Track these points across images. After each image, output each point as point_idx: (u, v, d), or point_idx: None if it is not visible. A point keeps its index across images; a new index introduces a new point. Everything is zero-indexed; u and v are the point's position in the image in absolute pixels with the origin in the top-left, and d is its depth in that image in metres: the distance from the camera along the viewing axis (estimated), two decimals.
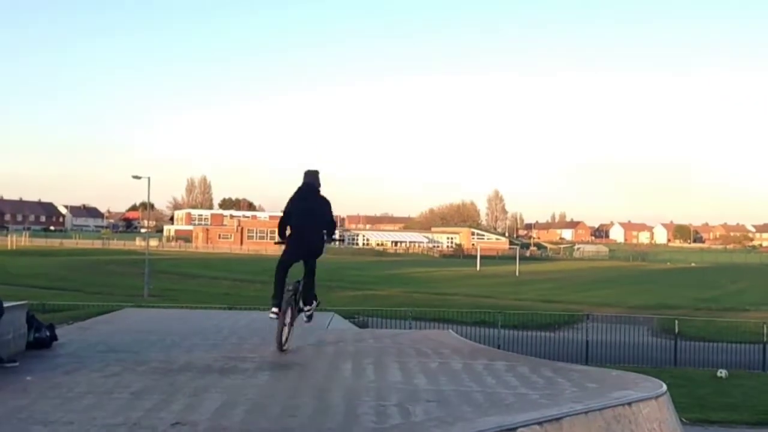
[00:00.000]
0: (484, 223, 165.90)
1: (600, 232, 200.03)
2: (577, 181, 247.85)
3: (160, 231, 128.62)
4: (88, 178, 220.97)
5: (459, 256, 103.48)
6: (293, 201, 8.38)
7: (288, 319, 8.15)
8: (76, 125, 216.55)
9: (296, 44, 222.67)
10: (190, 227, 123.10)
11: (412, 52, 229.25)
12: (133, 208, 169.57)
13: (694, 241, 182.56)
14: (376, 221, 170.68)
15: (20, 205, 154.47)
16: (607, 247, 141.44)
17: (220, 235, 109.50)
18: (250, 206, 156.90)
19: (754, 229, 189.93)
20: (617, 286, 56.58)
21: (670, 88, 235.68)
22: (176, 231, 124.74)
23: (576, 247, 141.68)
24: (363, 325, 21.83)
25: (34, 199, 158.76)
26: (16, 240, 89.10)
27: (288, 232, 8.38)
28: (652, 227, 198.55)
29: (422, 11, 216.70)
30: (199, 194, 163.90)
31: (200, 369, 7.16)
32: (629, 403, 5.84)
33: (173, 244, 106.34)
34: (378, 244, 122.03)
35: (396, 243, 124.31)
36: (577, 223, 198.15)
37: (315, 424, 5.04)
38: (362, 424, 5.06)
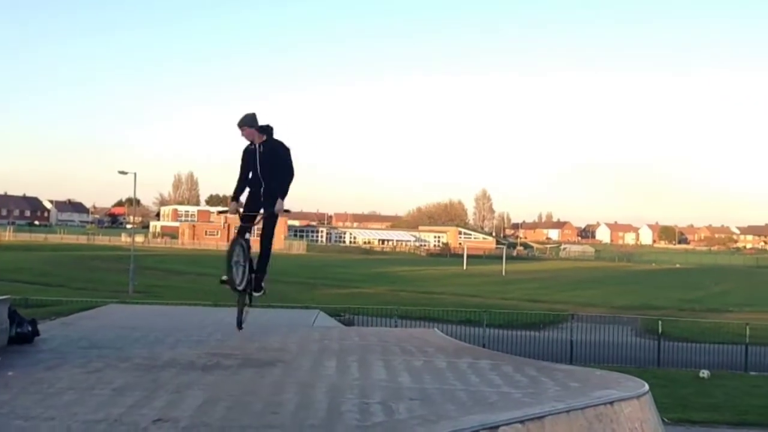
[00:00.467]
0: (471, 222, 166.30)
1: (586, 233, 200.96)
2: (564, 181, 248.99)
3: (146, 227, 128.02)
4: (73, 173, 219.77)
5: (446, 255, 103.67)
6: None
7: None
8: (62, 120, 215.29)
9: (286, 43, 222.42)
10: (177, 223, 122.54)
11: (401, 52, 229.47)
12: (119, 203, 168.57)
13: (679, 242, 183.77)
14: (363, 219, 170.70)
15: (5, 200, 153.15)
16: (593, 248, 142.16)
17: (206, 231, 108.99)
18: None
19: (738, 231, 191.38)
20: (602, 286, 56.88)
21: (657, 90, 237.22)
22: (162, 227, 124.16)
23: (562, 247, 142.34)
24: (348, 323, 21.82)
25: (19, 193, 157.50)
26: (0, 234, 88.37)
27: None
28: (638, 228, 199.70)
29: (414, 11, 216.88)
30: (186, 190, 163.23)
31: (183, 365, 7.12)
32: (611, 403, 5.87)
33: (159, 240, 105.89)
34: (365, 242, 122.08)
35: (383, 241, 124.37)
36: (564, 223, 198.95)
37: (297, 421, 5.03)
38: (345, 422, 5.06)
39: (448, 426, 4.85)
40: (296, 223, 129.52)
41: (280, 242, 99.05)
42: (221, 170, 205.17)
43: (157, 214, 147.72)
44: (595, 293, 49.36)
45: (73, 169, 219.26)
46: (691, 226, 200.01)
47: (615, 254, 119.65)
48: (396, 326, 21.77)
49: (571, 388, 6.49)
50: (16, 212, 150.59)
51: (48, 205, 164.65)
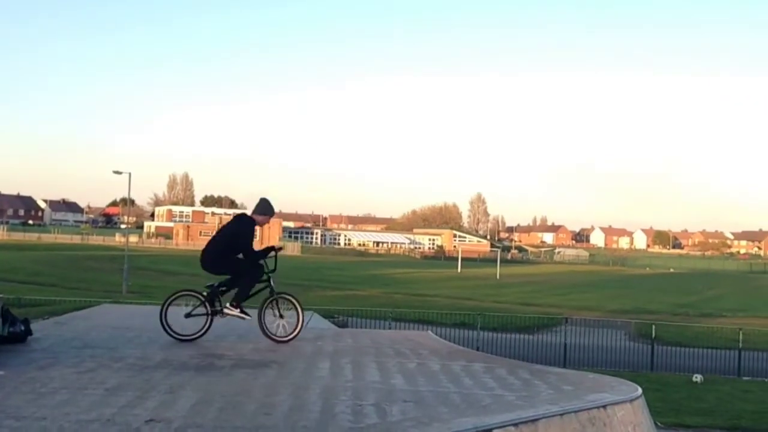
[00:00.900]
0: (466, 225, 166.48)
1: (581, 237, 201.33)
2: (559, 185, 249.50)
3: (141, 227, 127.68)
4: (68, 173, 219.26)
5: (440, 257, 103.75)
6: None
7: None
8: (56, 119, 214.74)
9: (279, 43, 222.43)
10: (171, 224, 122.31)
11: (396, 52, 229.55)
12: (114, 203, 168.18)
13: (673, 247, 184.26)
14: (358, 221, 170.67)
15: None
16: (587, 252, 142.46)
17: (201, 232, 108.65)
18: (232, 204, 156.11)
19: (732, 237, 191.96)
20: (596, 290, 56.97)
21: (653, 95, 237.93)
22: (157, 227, 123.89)
23: (557, 250, 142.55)
24: (342, 325, 21.81)
25: (13, 192, 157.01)
26: None
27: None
28: (632, 233, 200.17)
29: (408, 12, 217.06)
30: (181, 191, 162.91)
31: (176, 366, 7.11)
32: (604, 406, 5.88)
33: (153, 240, 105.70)
34: (360, 245, 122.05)
35: (378, 243, 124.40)
36: (558, 227, 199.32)
37: (290, 423, 5.02)
38: (338, 423, 5.05)
39: (441, 428, 4.86)
40: (291, 224, 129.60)
41: (275, 244, 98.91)
42: (216, 171, 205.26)
43: (152, 215, 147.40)
44: (589, 297, 49.45)
45: (67, 168, 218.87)
46: (685, 231, 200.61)
47: (609, 258, 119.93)
48: (390, 328, 21.75)
49: (565, 392, 6.50)
50: (10, 211, 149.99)
51: (42, 205, 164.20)
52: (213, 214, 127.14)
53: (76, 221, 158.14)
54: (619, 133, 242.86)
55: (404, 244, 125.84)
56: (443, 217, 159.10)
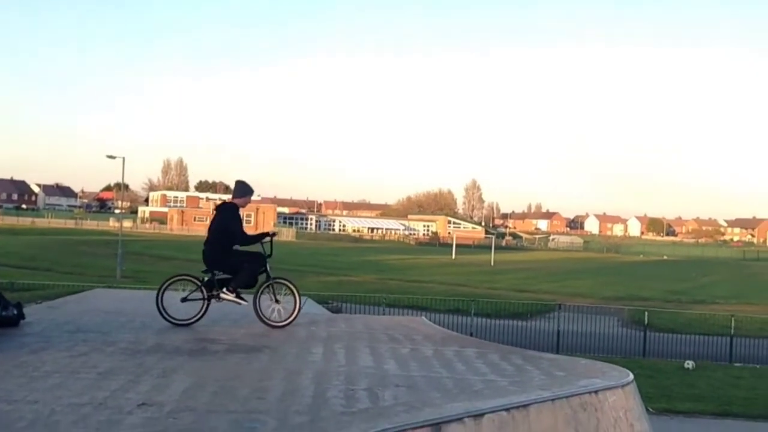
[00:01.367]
0: (460, 211, 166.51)
1: (575, 224, 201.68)
2: (553, 172, 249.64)
3: (135, 212, 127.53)
4: (61, 157, 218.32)
5: (435, 244, 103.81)
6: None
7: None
8: (50, 103, 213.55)
9: (276, 22, 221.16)
10: (165, 209, 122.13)
11: (395, 34, 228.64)
12: (108, 188, 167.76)
13: (667, 234, 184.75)
14: (353, 207, 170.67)
15: None
16: (581, 239, 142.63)
17: (195, 217, 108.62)
18: (227, 189, 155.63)
19: (725, 224, 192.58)
20: (590, 277, 57.13)
21: (648, 82, 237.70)
22: (151, 212, 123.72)
23: (551, 237, 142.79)
24: (336, 311, 21.88)
25: (6, 176, 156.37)
26: None
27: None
28: (627, 220, 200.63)
29: None
30: (175, 176, 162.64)
31: (169, 350, 7.11)
32: (596, 392, 5.90)
33: (148, 225, 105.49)
34: (354, 231, 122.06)
35: (372, 230, 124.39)
36: (553, 214, 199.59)
37: (282, 407, 5.03)
38: (330, 408, 5.06)
39: (433, 413, 4.87)
40: (286, 210, 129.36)
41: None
42: (211, 156, 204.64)
43: (146, 200, 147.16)
44: (582, 284, 49.59)
45: (61, 152, 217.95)
46: (679, 218, 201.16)
47: (603, 245, 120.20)
48: (384, 314, 21.80)
49: (557, 377, 6.52)
50: (3, 196, 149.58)
51: (36, 189, 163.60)
52: (207, 199, 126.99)
53: (69, 206, 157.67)
54: (615, 120, 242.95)
55: (399, 230, 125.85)
56: (438, 204, 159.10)
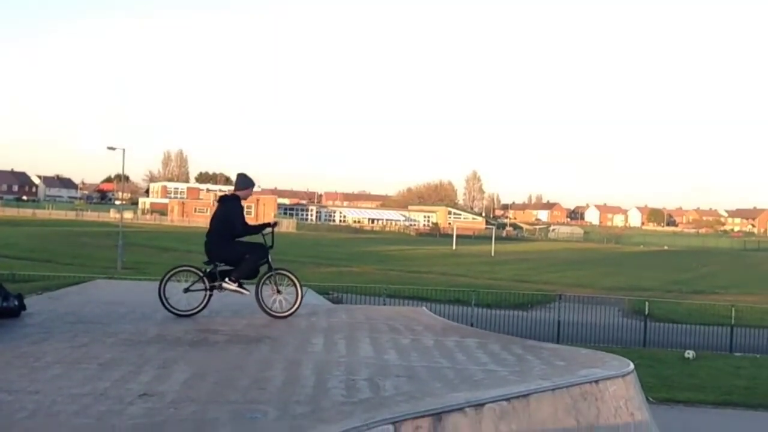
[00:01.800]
0: (461, 202, 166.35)
1: (575, 214, 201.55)
2: (554, 163, 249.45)
3: (135, 203, 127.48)
4: (62, 149, 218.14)
5: (435, 234, 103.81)
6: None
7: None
8: (50, 95, 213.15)
9: (275, 13, 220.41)
10: (166, 200, 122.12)
11: (395, 23, 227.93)
12: (108, 180, 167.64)
13: (668, 224, 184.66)
14: (353, 198, 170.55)
15: None
16: (582, 229, 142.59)
17: (195, 208, 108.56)
18: (227, 180, 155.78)
19: (726, 214, 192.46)
20: (590, 267, 57.16)
21: (647, 71, 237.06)
22: (151, 204, 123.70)
23: (551, 228, 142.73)
24: (337, 301, 21.89)
25: (7, 168, 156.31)
26: None
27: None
28: (627, 210, 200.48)
29: None
30: (175, 167, 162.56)
31: (170, 341, 7.12)
32: (596, 381, 5.91)
33: (148, 217, 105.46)
34: (355, 221, 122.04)
35: (373, 220, 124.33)
36: (553, 204, 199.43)
37: (283, 397, 5.03)
38: (331, 398, 5.07)
39: (434, 403, 4.87)
40: (286, 201, 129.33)
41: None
42: (211, 148, 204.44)
43: (147, 191, 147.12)
44: (583, 274, 49.61)
45: (61, 144, 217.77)
46: (680, 208, 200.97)
47: (603, 236, 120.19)
48: (384, 305, 21.81)
49: (557, 367, 6.52)
50: (4, 187, 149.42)
51: (36, 181, 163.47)
52: (208, 190, 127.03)
53: (70, 197, 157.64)
54: (615, 110, 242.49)
55: (399, 221, 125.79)
56: (438, 194, 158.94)
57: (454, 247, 75.43)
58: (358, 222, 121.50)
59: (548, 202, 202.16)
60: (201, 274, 8.69)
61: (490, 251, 69.49)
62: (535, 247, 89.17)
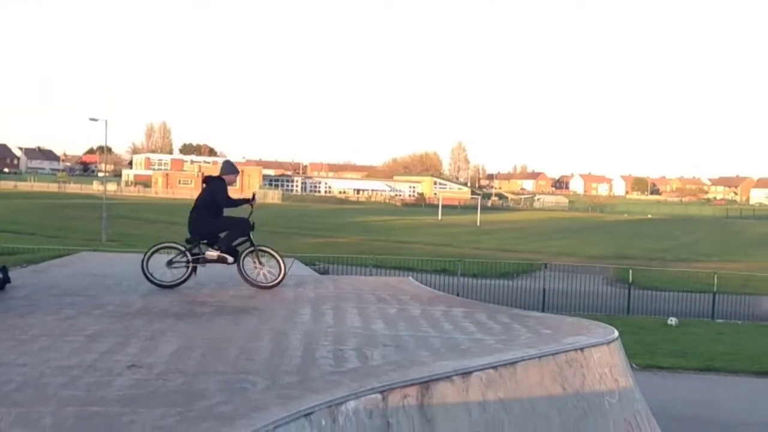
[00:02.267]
0: (446, 172, 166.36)
1: (560, 184, 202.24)
2: (538, 132, 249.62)
3: (119, 175, 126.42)
4: (43, 120, 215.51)
5: (421, 205, 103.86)
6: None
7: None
8: (31, 65, 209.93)
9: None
10: (150, 172, 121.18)
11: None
12: (90, 151, 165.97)
13: (652, 193, 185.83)
14: (338, 169, 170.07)
15: None
16: (566, 198, 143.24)
17: (180, 180, 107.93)
18: (211, 152, 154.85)
19: (709, 183, 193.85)
20: (575, 236, 57.52)
21: (632, 41, 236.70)
22: (135, 176, 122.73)
23: (536, 197, 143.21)
24: (324, 272, 21.90)
25: None
26: None
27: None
28: (611, 179, 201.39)
29: None
30: (159, 139, 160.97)
31: (156, 313, 7.11)
32: (581, 349, 5.98)
33: (132, 188, 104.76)
34: (340, 192, 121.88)
35: (358, 191, 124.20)
36: (538, 174, 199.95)
37: (272, 367, 5.06)
38: (320, 368, 5.10)
39: (422, 371, 4.91)
40: (271, 172, 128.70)
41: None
42: (194, 119, 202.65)
43: (130, 163, 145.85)
44: (568, 243, 49.92)
45: (42, 115, 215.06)
46: (663, 177, 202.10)
47: (588, 205, 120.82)
48: (371, 275, 21.88)
49: (543, 335, 6.59)
50: None
51: (17, 153, 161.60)
52: (192, 162, 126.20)
53: (52, 169, 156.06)
54: (599, 79, 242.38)
55: (384, 191, 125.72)
56: (424, 165, 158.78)
57: (439, 217, 75.60)
58: (344, 193, 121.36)
59: (533, 171, 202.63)
60: (183, 249, 8.77)
61: (476, 221, 69.73)
62: (521, 216, 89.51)
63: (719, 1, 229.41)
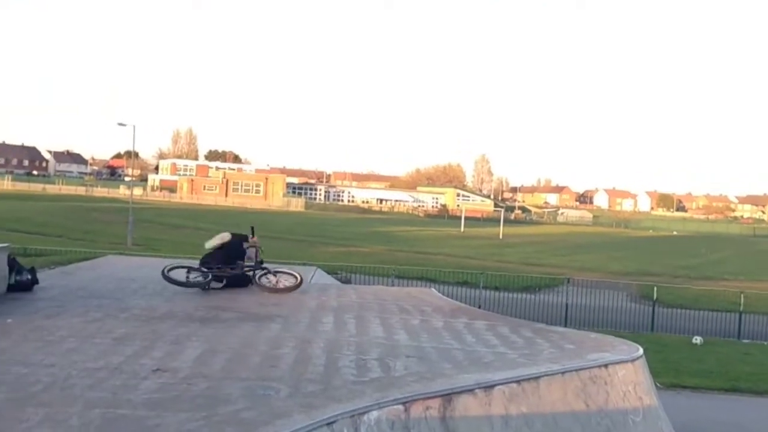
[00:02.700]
0: (469, 184, 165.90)
1: (584, 198, 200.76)
2: (563, 146, 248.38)
3: (145, 180, 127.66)
4: (72, 124, 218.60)
5: (444, 216, 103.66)
6: None
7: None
8: (61, 70, 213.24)
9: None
10: (175, 177, 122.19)
11: (408, 6, 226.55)
12: (118, 156, 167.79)
13: (677, 210, 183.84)
14: (362, 178, 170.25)
15: (3, 149, 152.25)
16: (590, 213, 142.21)
17: (205, 186, 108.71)
18: (236, 158, 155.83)
19: (736, 201, 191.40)
20: (599, 251, 57.01)
21: (660, 57, 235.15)
22: (161, 181, 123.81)
23: (560, 211, 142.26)
24: (346, 281, 21.92)
25: (17, 143, 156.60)
26: None
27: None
28: (636, 195, 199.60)
29: None
30: (185, 144, 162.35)
31: (182, 317, 7.17)
32: (606, 365, 5.93)
33: (158, 193, 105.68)
34: (363, 202, 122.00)
35: (381, 201, 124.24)
36: (562, 188, 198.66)
37: (295, 375, 5.08)
38: (342, 377, 5.11)
39: (444, 384, 4.91)
40: (295, 180, 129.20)
41: (278, 200, 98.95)
42: (220, 125, 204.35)
43: (156, 168, 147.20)
44: (591, 258, 49.50)
45: (72, 119, 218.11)
46: (689, 194, 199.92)
47: (612, 220, 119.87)
48: (393, 286, 21.84)
49: (566, 350, 6.55)
50: (15, 162, 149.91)
51: (46, 156, 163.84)
52: (217, 168, 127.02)
53: (80, 172, 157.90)
54: (625, 94, 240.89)
55: (407, 202, 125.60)
56: (447, 176, 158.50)
57: (462, 229, 75.36)
58: (367, 202, 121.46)
59: (557, 185, 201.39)
60: (196, 268, 9.23)
61: (499, 234, 69.40)
62: (544, 230, 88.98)
63: (747, 14, 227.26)
